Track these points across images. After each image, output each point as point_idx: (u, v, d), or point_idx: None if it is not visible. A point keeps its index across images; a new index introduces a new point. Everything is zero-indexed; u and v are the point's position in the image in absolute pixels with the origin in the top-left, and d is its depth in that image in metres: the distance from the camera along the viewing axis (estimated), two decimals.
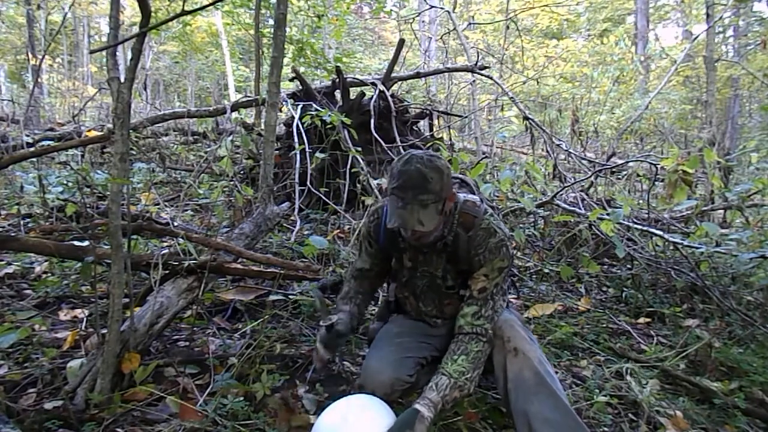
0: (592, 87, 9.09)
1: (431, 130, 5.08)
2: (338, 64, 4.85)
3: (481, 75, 5.26)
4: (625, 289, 2.97)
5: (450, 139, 5.43)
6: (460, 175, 1.78)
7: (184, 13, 1.62)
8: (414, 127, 4.96)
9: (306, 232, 3.36)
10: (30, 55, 9.86)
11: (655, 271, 2.97)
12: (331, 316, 1.58)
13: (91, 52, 1.76)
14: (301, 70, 5.33)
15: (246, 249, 2.28)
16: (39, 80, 10.12)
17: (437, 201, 1.39)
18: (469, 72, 5.39)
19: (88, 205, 3.08)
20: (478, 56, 5.28)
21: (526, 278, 3.07)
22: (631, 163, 4.38)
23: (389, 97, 4.42)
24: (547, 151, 4.47)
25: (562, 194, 3.56)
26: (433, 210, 1.39)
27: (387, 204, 1.60)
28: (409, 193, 1.38)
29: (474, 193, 1.68)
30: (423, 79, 6.11)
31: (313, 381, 1.76)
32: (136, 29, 1.52)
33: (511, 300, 2.68)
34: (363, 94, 4.39)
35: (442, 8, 7.48)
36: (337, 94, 4.72)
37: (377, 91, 4.44)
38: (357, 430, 1.30)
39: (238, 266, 2.18)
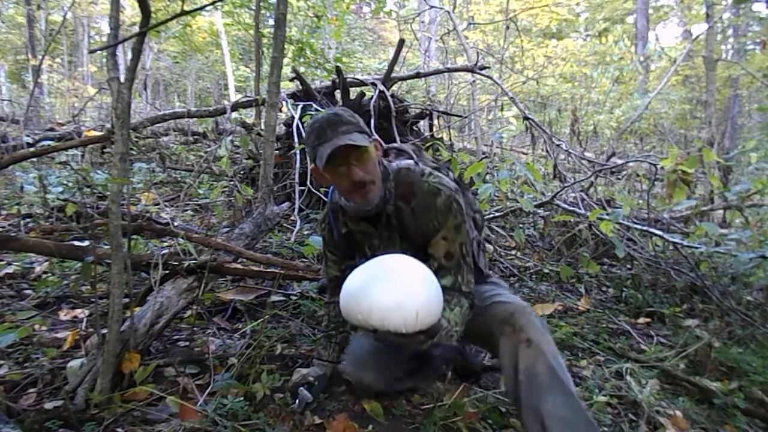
0: (591, 87, 9.09)
1: (431, 130, 5.08)
2: (338, 64, 4.85)
3: (481, 75, 5.26)
4: (624, 289, 2.97)
5: (450, 139, 5.44)
6: (395, 144, 1.73)
7: (184, 13, 1.62)
8: (414, 127, 4.96)
9: (306, 232, 3.36)
10: (30, 55, 9.87)
11: (654, 271, 2.97)
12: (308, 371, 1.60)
13: (91, 52, 1.76)
14: (301, 70, 5.33)
15: (246, 249, 2.28)
16: (39, 80, 10.11)
17: (360, 131, 1.38)
18: (469, 72, 5.39)
19: (88, 205, 3.08)
20: (477, 56, 5.27)
21: (526, 278, 3.07)
22: (630, 163, 4.38)
23: (389, 97, 4.42)
24: (547, 151, 4.47)
25: (561, 194, 3.56)
26: (360, 136, 1.36)
27: (329, 208, 1.64)
28: (327, 131, 1.36)
29: (415, 161, 1.61)
30: (423, 79, 6.11)
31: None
32: (136, 29, 1.52)
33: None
34: (363, 94, 4.39)
35: (442, 8, 7.49)
36: (337, 94, 4.72)
37: (377, 91, 4.44)
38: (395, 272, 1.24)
39: (238, 266, 2.18)
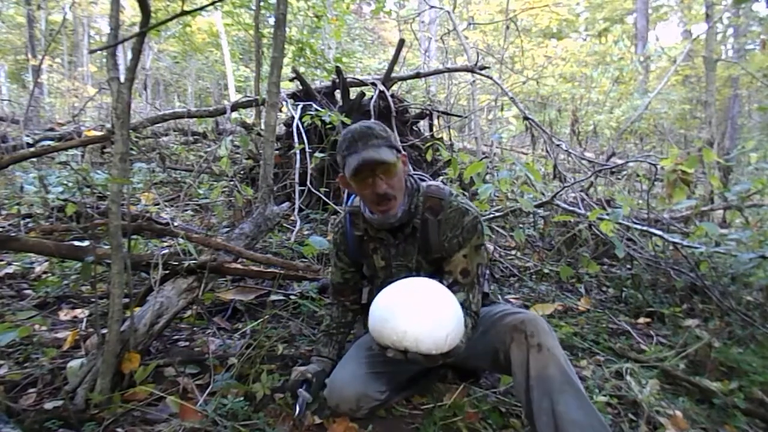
0: (591, 87, 9.09)
1: (431, 130, 5.08)
2: (338, 64, 4.85)
3: (481, 75, 5.26)
4: (625, 289, 2.97)
5: (450, 139, 5.43)
6: (416, 173, 1.79)
7: (184, 13, 1.62)
8: (414, 127, 4.96)
9: (306, 232, 3.36)
10: (30, 55, 9.87)
11: (654, 271, 2.97)
12: (306, 368, 1.59)
13: (91, 52, 1.76)
14: (301, 70, 5.34)
15: (246, 249, 2.28)
16: (39, 80, 10.12)
17: (389, 146, 1.43)
18: (469, 72, 5.39)
19: (88, 205, 3.08)
20: (477, 56, 5.28)
21: (526, 278, 3.07)
22: (630, 163, 4.38)
23: (389, 97, 4.42)
24: (547, 151, 4.47)
25: (561, 194, 3.56)
26: (388, 151, 1.41)
27: (347, 210, 1.65)
28: (359, 143, 1.41)
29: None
30: (423, 79, 6.11)
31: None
32: (136, 29, 1.52)
33: (511, 300, 2.69)
34: (363, 94, 4.39)
35: (442, 8, 7.48)
36: (337, 94, 4.72)
37: (377, 91, 4.44)
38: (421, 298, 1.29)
39: (238, 266, 2.18)
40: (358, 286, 1.77)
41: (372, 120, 1.52)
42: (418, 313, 1.26)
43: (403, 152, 1.51)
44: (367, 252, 1.64)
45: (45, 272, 2.61)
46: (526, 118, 4.45)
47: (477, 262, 1.52)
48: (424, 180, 1.65)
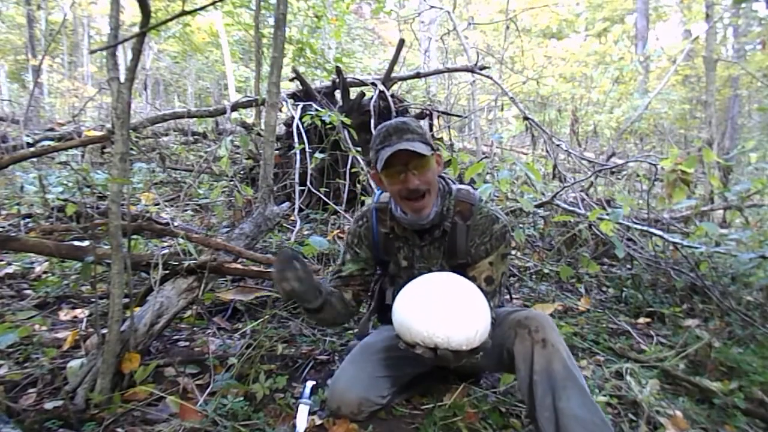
0: (591, 87, 9.10)
1: (431, 130, 5.08)
2: (338, 64, 4.85)
3: (481, 75, 5.26)
4: (625, 289, 2.97)
5: (450, 139, 5.44)
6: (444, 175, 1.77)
7: (184, 13, 1.62)
8: None
9: (306, 232, 3.36)
10: (30, 55, 9.88)
11: (654, 271, 2.97)
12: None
13: (91, 52, 1.76)
14: (301, 70, 5.34)
15: (246, 249, 2.28)
16: (39, 80, 10.12)
17: (424, 142, 1.41)
18: (469, 72, 5.39)
19: (88, 205, 3.08)
20: (477, 56, 5.28)
21: (526, 278, 3.07)
22: (630, 163, 4.38)
23: (389, 97, 4.41)
24: (547, 151, 4.47)
25: (561, 194, 3.56)
26: (422, 146, 1.39)
27: (374, 206, 1.62)
28: (393, 136, 1.40)
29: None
30: (423, 79, 6.11)
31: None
32: (136, 29, 1.52)
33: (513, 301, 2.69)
34: (363, 94, 4.39)
35: (442, 8, 7.47)
36: (337, 94, 4.72)
37: (377, 91, 4.44)
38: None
39: (238, 266, 2.18)
40: (368, 283, 1.70)
41: (408, 117, 1.51)
42: (449, 308, 1.23)
43: (438, 151, 1.48)
44: (391, 250, 1.62)
45: (45, 272, 2.61)
46: (526, 118, 4.45)
47: (501, 271, 1.52)
48: (453, 183, 1.61)
